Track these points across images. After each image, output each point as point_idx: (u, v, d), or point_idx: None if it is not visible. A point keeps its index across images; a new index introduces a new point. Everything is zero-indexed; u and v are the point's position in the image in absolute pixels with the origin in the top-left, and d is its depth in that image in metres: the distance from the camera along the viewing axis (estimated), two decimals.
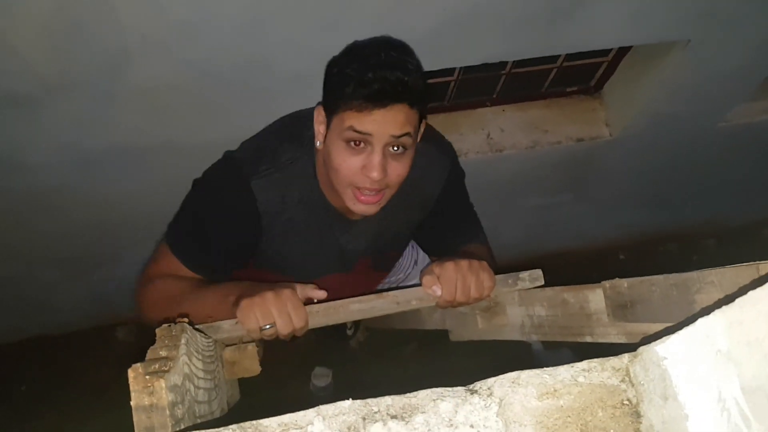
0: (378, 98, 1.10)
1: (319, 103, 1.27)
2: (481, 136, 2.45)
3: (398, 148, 1.17)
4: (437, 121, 2.46)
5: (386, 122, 1.12)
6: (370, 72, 1.10)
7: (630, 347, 0.54)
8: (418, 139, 1.25)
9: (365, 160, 1.16)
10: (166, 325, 0.79)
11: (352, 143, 1.16)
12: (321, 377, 2.95)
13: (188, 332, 0.80)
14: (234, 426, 0.49)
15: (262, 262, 1.41)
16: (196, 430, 0.53)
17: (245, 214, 1.30)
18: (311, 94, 1.88)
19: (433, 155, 1.41)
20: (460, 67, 2.17)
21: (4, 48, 1.50)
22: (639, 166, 2.79)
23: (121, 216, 2.38)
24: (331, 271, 1.50)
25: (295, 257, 1.42)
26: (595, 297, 0.96)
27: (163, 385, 0.62)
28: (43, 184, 2.07)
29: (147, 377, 0.63)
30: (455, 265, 1.18)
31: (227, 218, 1.31)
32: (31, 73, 1.61)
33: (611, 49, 2.30)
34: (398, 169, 1.20)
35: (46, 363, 3.19)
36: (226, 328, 1.11)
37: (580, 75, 2.47)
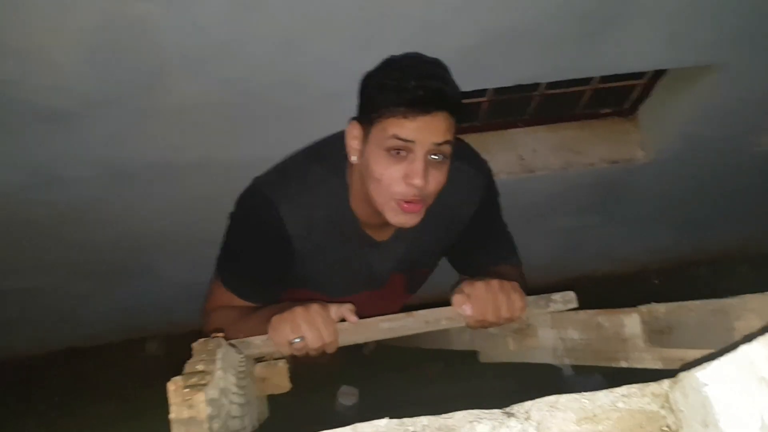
0: (421, 104, 1.12)
1: (352, 119, 1.29)
2: (512, 157, 2.45)
3: (438, 156, 1.19)
4: (468, 140, 2.46)
5: (429, 129, 1.14)
6: (412, 80, 1.13)
7: (667, 373, 0.53)
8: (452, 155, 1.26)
9: (407, 168, 1.17)
10: (202, 339, 0.80)
11: (394, 152, 1.17)
12: (347, 396, 2.94)
13: (223, 347, 0.81)
14: None
15: (300, 283, 1.45)
16: None
17: (276, 239, 1.33)
18: (343, 111, 1.90)
19: (469, 173, 1.43)
20: (492, 88, 2.17)
21: (46, 64, 1.54)
22: (673, 188, 2.76)
23: (153, 230, 2.42)
24: (362, 288, 1.53)
25: (326, 277, 1.45)
26: (631, 321, 0.95)
27: (202, 398, 0.63)
28: (79, 198, 2.12)
29: (186, 390, 0.64)
30: (486, 285, 1.17)
31: (261, 246, 1.35)
32: (71, 89, 1.65)
33: (646, 72, 2.29)
34: (438, 178, 1.21)
35: (76, 375, 3.24)
36: (258, 343, 1.12)
37: (614, 97, 2.46)
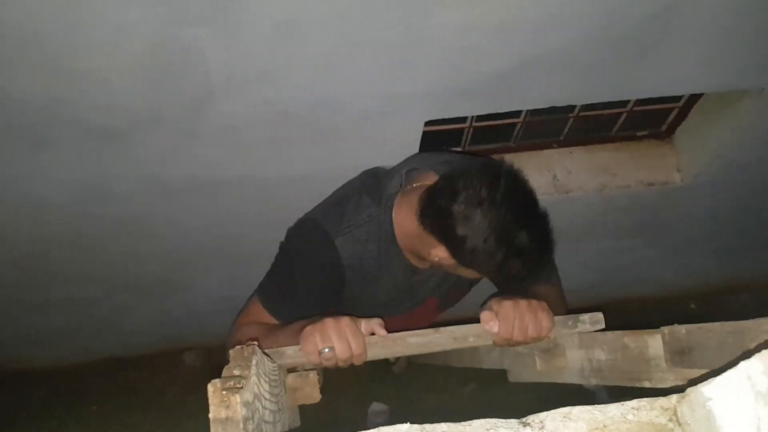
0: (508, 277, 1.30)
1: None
2: (547, 177, 2.46)
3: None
4: None
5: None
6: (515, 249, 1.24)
7: (682, 390, 0.56)
8: None
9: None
10: (239, 347, 0.84)
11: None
12: (379, 414, 2.96)
13: (258, 354, 0.86)
14: None
15: (343, 308, 1.49)
16: None
17: (332, 269, 1.42)
18: (377, 132, 1.96)
19: None
20: (528, 109, 2.20)
21: (100, 84, 1.62)
22: (710, 212, 2.73)
23: (195, 245, 2.49)
24: (400, 311, 1.60)
25: (370, 303, 1.54)
26: (654, 342, 0.96)
27: (238, 399, 0.67)
28: (126, 212, 2.20)
29: (224, 392, 0.68)
30: (514, 304, 1.19)
31: (316, 275, 1.42)
32: (122, 109, 1.73)
33: (683, 95, 2.29)
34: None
35: (116, 384, 3.32)
36: (290, 353, 1.15)
37: (650, 119, 2.46)
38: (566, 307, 1.43)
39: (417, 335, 1.19)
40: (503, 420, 0.54)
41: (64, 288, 2.66)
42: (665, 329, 0.92)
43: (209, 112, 1.78)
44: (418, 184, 1.41)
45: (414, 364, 3.12)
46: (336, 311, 1.41)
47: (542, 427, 0.53)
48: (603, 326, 1.21)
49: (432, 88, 1.80)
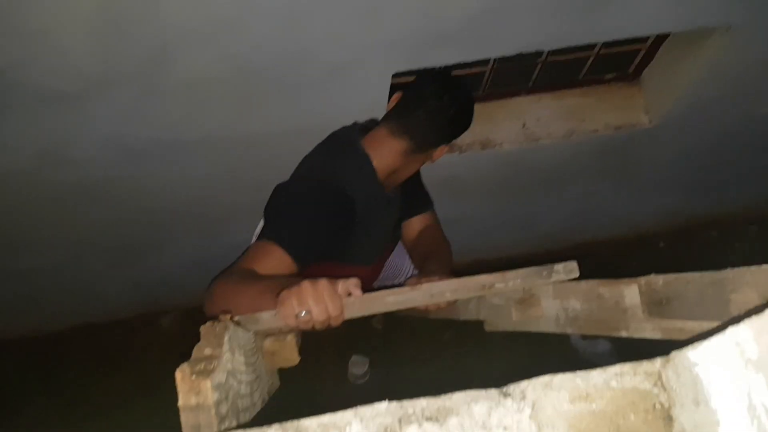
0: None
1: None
2: (516, 126, 2.44)
3: None
4: None
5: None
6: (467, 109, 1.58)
7: (665, 345, 0.54)
8: None
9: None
10: (209, 322, 0.81)
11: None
12: (358, 365, 2.99)
13: (231, 329, 0.83)
14: (276, 426, 0.51)
15: (337, 252, 1.56)
16: (239, 428, 0.55)
17: (344, 206, 1.50)
18: (347, 85, 1.91)
19: None
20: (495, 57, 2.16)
21: (49, 46, 1.55)
22: (678, 153, 2.75)
23: (163, 207, 2.44)
24: (377, 254, 1.76)
25: (362, 243, 1.63)
26: (631, 292, 0.96)
27: (209, 385, 0.65)
28: (88, 176, 2.14)
29: (193, 377, 0.66)
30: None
31: (332, 208, 1.48)
32: (75, 70, 1.66)
33: (649, 36, 2.26)
34: None
35: (92, 350, 3.29)
36: (266, 319, 1.13)
37: (617, 62, 2.43)
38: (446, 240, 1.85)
39: (395, 294, 1.18)
40: (483, 391, 0.53)
41: (32, 257, 2.60)
42: (641, 280, 0.91)
43: (167, 69, 1.71)
44: (376, 131, 1.59)
45: (393, 316, 3.13)
46: (329, 267, 1.45)
47: (523, 397, 0.52)
48: (577, 275, 1.21)
49: (399, 37, 1.75)
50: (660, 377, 0.50)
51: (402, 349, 3.12)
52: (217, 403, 0.66)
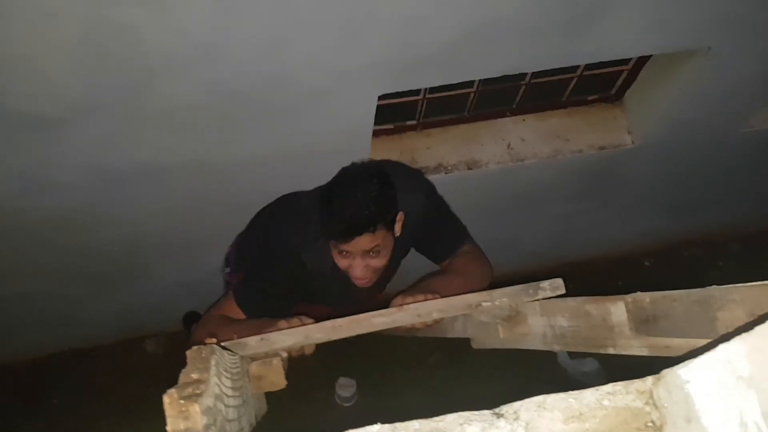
0: (349, 236, 1.49)
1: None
2: (501, 146, 2.46)
3: (373, 252, 1.55)
4: (457, 132, 2.47)
5: (359, 245, 1.51)
6: (340, 219, 1.48)
7: (653, 363, 0.54)
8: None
9: (351, 263, 1.58)
10: (196, 347, 0.81)
11: (343, 252, 1.56)
12: (345, 387, 2.96)
13: (217, 353, 0.82)
14: None
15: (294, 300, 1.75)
16: None
17: (295, 272, 1.66)
18: (329, 109, 1.91)
19: (407, 194, 1.66)
20: (479, 79, 2.18)
21: (31, 72, 1.54)
22: (662, 172, 2.78)
23: (147, 233, 2.42)
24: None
25: (322, 300, 1.80)
26: (617, 310, 0.96)
27: (198, 409, 0.64)
28: (70, 203, 2.11)
29: (181, 402, 0.65)
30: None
31: (285, 276, 1.67)
32: (57, 96, 1.65)
33: (632, 58, 2.30)
34: (378, 263, 1.59)
35: (76, 376, 3.24)
36: (252, 344, 1.15)
37: (600, 83, 2.47)
38: (483, 265, 1.80)
39: (381, 315, 1.20)
40: (476, 413, 0.52)
41: (13, 283, 2.56)
42: (628, 297, 0.91)
43: (151, 95, 1.71)
44: None
45: (380, 336, 3.12)
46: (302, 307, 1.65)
47: (516, 417, 0.51)
48: (563, 291, 1.22)
49: (383, 60, 1.76)
50: (651, 395, 0.50)
51: (389, 370, 3.10)
52: (206, 428, 0.65)
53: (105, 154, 1.92)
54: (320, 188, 1.71)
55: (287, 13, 1.51)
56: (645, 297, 0.88)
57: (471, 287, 1.52)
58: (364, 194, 1.49)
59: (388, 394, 2.90)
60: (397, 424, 0.52)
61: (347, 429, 0.52)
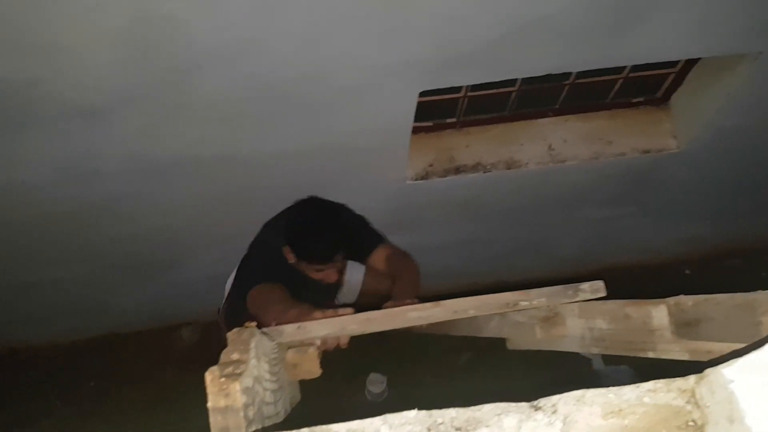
0: (321, 265, 1.86)
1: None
2: (542, 147, 2.43)
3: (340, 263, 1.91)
4: (497, 131, 2.46)
5: (330, 267, 1.88)
6: (312, 254, 1.84)
7: (694, 366, 0.54)
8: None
9: (324, 275, 1.90)
10: (236, 329, 0.82)
11: (317, 269, 1.88)
12: (376, 383, 2.97)
13: (257, 335, 0.84)
14: (305, 429, 0.51)
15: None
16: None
17: (286, 268, 1.93)
18: (362, 106, 1.92)
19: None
20: (522, 78, 2.16)
21: (76, 62, 1.57)
22: (705, 178, 2.72)
23: (184, 222, 2.46)
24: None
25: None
26: (659, 313, 0.94)
27: (238, 387, 0.66)
28: (110, 192, 2.16)
29: (222, 380, 0.66)
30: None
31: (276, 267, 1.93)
32: (99, 86, 1.69)
33: (679, 61, 2.26)
34: (342, 266, 1.97)
35: (113, 361, 3.30)
36: (289, 331, 1.15)
37: (646, 86, 2.43)
38: (405, 258, 2.08)
39: (417, 309, 1.19)
40: (514, 404, 0.52)
41: (52, 269, 2.63)
42: (671, 300, 0.90)
43: (192, 88, 1.73)
44: None
45: (412, 333, 3.11)
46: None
47: (554, 411, 0.51)
48: (604, 294, 1.20)
49: (424, 57, 1.76)
50: (693, 394, 0.50)
51: (420, 369, 3.09)
52: (245, 407, 0.67)
53: (146, 144, 1.96)
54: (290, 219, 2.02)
55: (328, 7, 1.52)
56: (688, 300, 0.87)
57: (413, 277, 1.97)
58: (332, 230, 1.86)
59: (419, 392, 2.90)
60: (434, 411, 0.52)
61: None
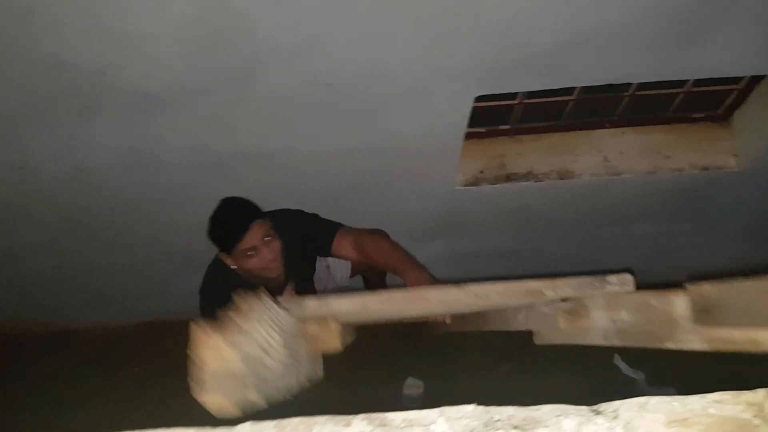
0: (239, 236, 1.82)
1: (218, 255, 1.99)
2: (597, 158, 2.40)
3: (268, 238, 1.85)
4: (551, 140, 2.43)
5: (252, 238, 1.82)
6: (226, 231, 1.86)
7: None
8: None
9: (258, 256, 1.86)
10: (242, 297, 0.83)
11: (249, 253, 1.85)
12: (413, 388, 2.96)
13: (266, 304, 0.84)
14: (363, 415, 0.52)
15: None
16: (321, 415, 0.56)
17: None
18: (420, 108, 1.92)
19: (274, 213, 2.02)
20: (581, 86, 2.13)
21: (147, 52, 1.62)
22: (765, 200, 2.63)
23: None
24: None
25: None
26: (679, 300, 0.94)
27: (221, 341, 0.66)
28: (170, 180, 2.22)
29: (210, 333, 0.66)
30: None
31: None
32: (168, 76, 1.74)
33: (743, 77, 2.19)
34: (276, 245, 1.89)
35: (158, 348, 3.34)
36: (312, 306, 1.18)
37: (708, 101, 2.37)
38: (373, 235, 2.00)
39: (438, 291, 1.19)
40: (574, 407, 0.52)
41: (108, 253, 2.70)
42: (691, 287, 0.89)
43: (256, 82, 1.77)
44: None
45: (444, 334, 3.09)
46: None
47: (616, 416, 0.50)
48: (632, 289, 1.16)
49: (484, 61, 1.75)
50: (762, 408, 0.48)
51: (457, 377, 3.07)
52: (243, 375, 0.66)
53: (207, 135, 2.00)
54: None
55: (393, 7, 1.53)
56: (707, 285, 0.85)
57: (399, 253, 1.85)
58: (232, 206, 1.89)
59: (455, 399, 2.88)
60: (492, 408, 0.52)
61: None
